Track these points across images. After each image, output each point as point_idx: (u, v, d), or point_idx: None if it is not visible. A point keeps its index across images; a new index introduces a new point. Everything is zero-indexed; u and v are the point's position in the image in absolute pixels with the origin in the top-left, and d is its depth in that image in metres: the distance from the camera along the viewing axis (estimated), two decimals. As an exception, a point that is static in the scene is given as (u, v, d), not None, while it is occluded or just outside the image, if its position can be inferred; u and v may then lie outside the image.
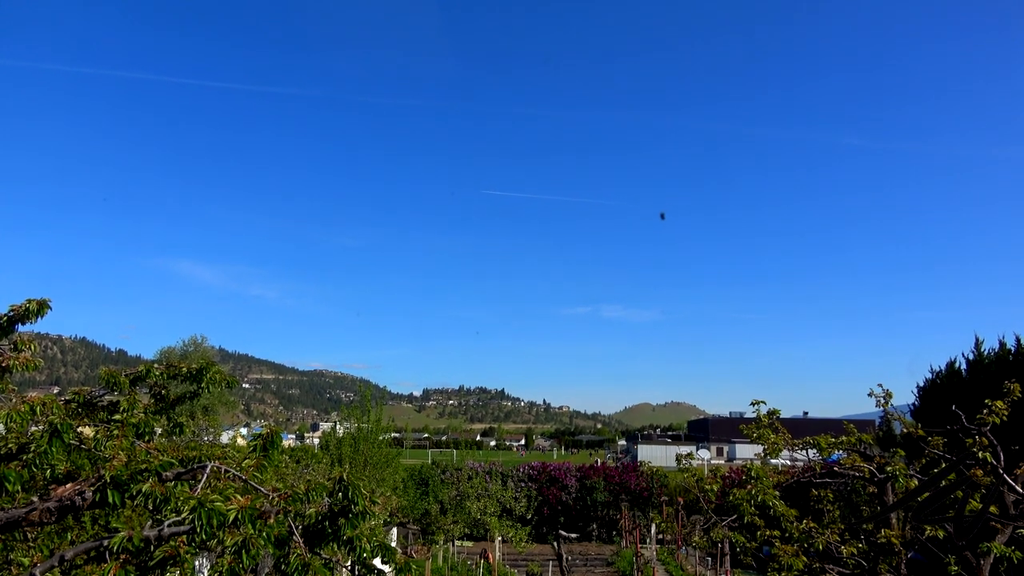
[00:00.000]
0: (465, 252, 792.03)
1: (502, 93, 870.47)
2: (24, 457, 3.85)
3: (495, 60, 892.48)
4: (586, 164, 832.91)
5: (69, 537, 4.61)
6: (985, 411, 5.95)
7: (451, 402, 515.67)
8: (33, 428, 4.26)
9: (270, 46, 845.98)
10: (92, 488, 3.72)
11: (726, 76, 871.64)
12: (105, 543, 3.34)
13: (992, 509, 5.21)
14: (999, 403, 6.01)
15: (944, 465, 6.02)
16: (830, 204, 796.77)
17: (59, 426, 3.79)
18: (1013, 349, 18.66)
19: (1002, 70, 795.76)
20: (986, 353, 19.61)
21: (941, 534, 6.28)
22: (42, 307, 4.82)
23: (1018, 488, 4.97)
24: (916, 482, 6.69)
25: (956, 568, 5.86)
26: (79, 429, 4.39)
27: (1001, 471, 5.08)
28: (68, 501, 3.74)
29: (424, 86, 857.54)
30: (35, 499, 3.83)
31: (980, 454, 5.45)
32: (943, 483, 5.67)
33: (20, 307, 4.75)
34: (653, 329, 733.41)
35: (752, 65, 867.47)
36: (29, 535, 4.40)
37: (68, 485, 3.87)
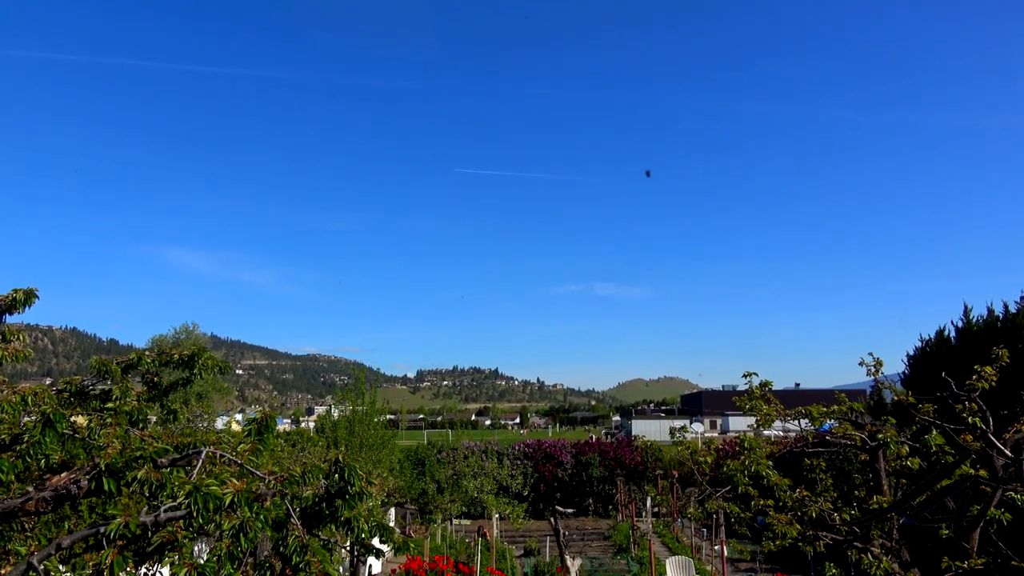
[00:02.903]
0: (455, 233, 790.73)
1: (486, 73, 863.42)
2: (18, 447, 3.83)
3: (478, 41, 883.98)
4: (575, 143, 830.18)
5: (67, 526, 4.61)
6: (975, 377, 6.01)
7: (445, 383, 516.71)
8: (26, 419, 4.23)
9: (251, 30, 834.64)
10: (87, 476, 3.71)
11: (712, 51, 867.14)
12: (102, 530, 3.34)
13: (982, 472, 5.29)
14: (988, 369, 6.06)
15: (935, 432, 6.09)
16: (817, 176, 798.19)
17: (52, 416, 3.77)
18: (1001, 316, 18.80)
19: (986, 39, 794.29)
20: (975, 321, 19.76)
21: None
22: (29, 297, 4.77)
23: (1007, 452, 5.04)
24: (907, 448, 6.77)
25: (948, 532, 5.96)
26: (72, 418, 4.37)
27: (991, 436, 5.15)
28: (64, 490, 3.72)
29: (407, 67, 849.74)
30: (30, 489, 3.81)
31: (970, 419, 5.52)
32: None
33: (6, 297, 4.71)
34: (645, 305, 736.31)
35: (738, 40, 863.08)
36: (26, 525, 4.39)
37: (63, 474, 3.85)
